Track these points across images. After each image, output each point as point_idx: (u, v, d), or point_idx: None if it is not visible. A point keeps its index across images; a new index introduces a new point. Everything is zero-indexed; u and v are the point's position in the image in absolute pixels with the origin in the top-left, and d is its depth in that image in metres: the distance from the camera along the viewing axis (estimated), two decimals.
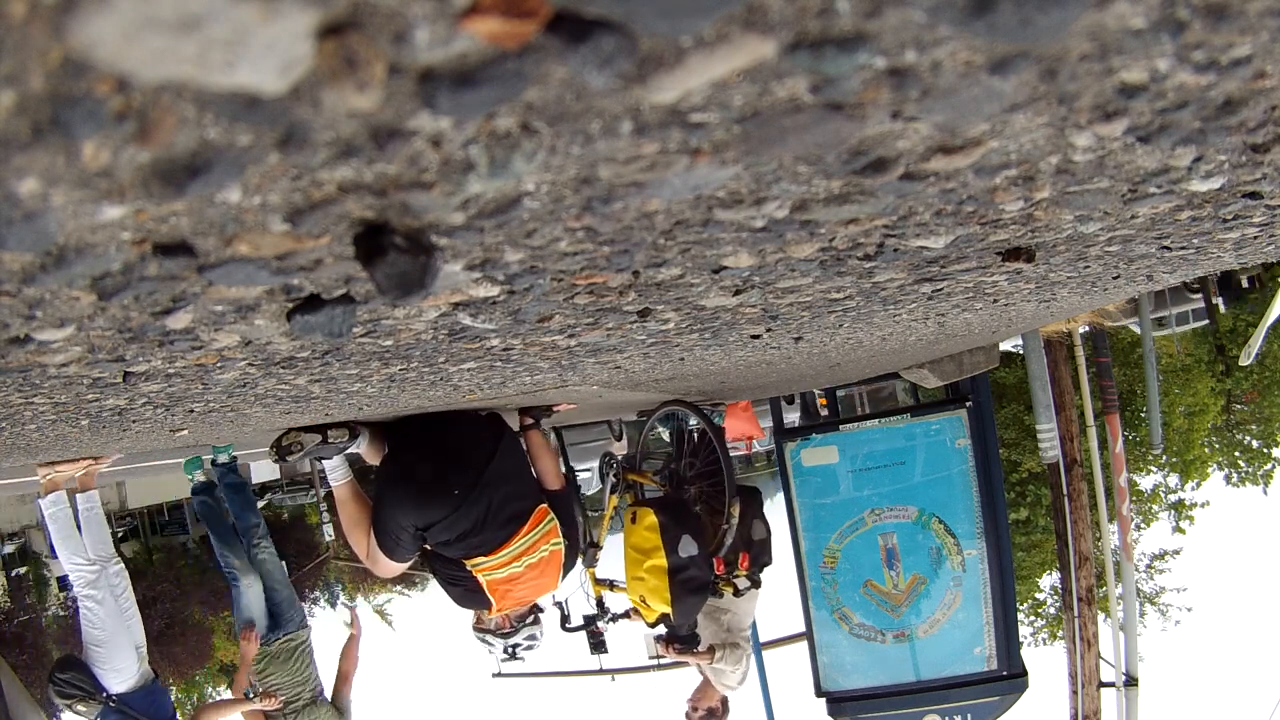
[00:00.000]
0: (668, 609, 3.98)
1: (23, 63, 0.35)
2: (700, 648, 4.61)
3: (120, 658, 3.86)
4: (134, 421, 1.83)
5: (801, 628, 7.00)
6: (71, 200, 0.47)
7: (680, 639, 4.53)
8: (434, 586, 3.35)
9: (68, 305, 0.70)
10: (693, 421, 4.83)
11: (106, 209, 0.49)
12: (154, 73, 0.36)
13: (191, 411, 1.79)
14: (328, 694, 4.55)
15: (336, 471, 3.29)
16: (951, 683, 6.55)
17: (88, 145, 0.42)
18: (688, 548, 3.98)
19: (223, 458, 4.45)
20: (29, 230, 0.49)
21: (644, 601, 4.13)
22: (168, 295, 0.72)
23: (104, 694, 3.84)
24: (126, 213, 0.51)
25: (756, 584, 4.36)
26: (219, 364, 1.14)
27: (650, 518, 4.03)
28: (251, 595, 4.37)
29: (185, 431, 2.44)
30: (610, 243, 0.78)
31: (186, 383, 1.29)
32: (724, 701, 4.64)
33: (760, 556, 4.35)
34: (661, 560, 3.94)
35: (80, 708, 3.92)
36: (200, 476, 4.34)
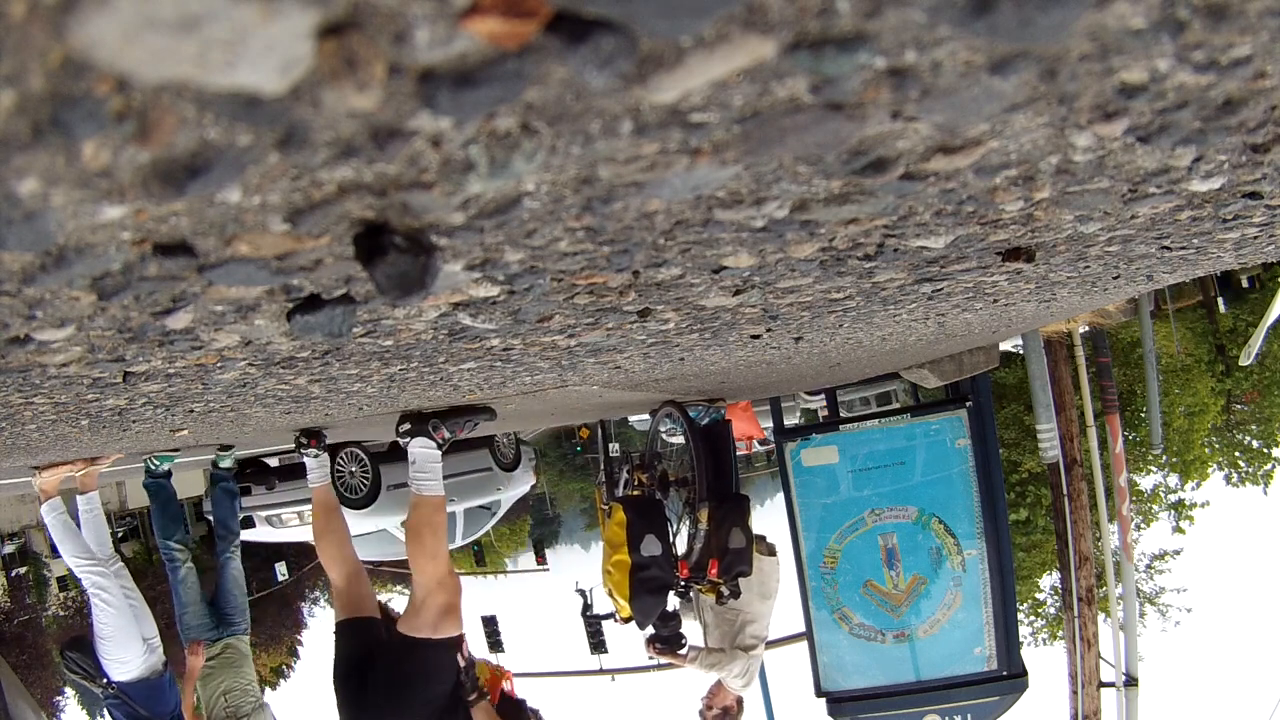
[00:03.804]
0: (627, 605, 4.06)
1: (23, 63, 0.35)
2: (684, 650, 4.59)
3: (124, 651, 3.95)
4: (134, 421, 1.83)
5: (801, 628, 7.00)
6: (71, 200, 0.47)
7: (662, 639, 4.54)
8: None
9: (68, 305, 0.70)
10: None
11: (106, 209, 0.49)
12: (154, 73, 0.37)
13: (191, 411, 1.79)
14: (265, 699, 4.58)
15: (314, 473, 3.45)
16: (951, 683, 6.55)
17: (88, 145, 0.42)
18: (650, 547, 4.05)
19: (225, 463, 4.52)
20: (29, 230, 0.49)
21: (613, 596, 4.21)
22: (168, 295, 0.72)
23: (104, 679, 3.92)
24: (126, 213, 0.51)
25: (735, 594, 4.33)
26: (219, 364, 1.14)
27: (620, 514, 4.14)
28: (190, 582, 4.44)
29: (185, 431, 2.44)
30: (610, 243, 0.78)
31: (186, 383, 1.29)
32: (739, 701, 4.64)
33: (734, 565, 4.30)
34: (625, 556, 4.04)
35: (84, 684, 4.04)
36: (168, 467, 4.38)
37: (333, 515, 3.44)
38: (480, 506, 9.56)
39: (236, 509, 4.77)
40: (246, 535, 8.17)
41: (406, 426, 2.91)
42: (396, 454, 8.28)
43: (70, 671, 4.07)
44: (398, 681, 2.86)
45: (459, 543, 9.40)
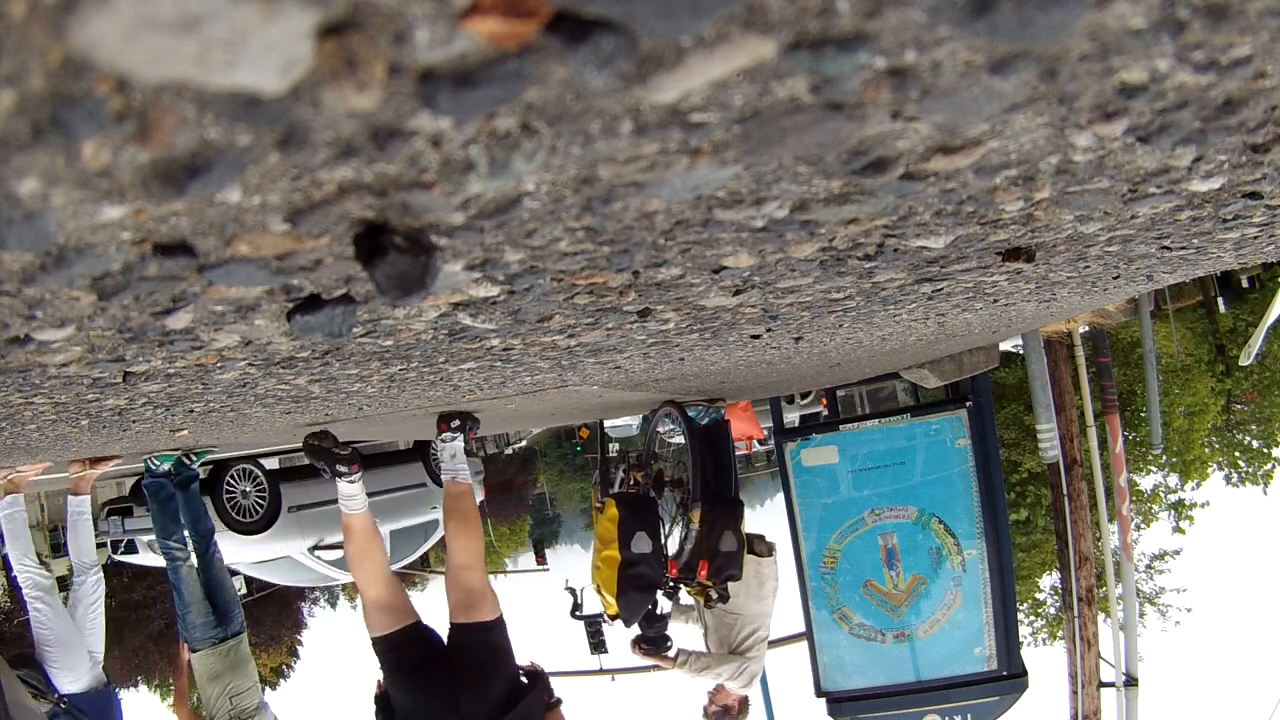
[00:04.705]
0: (614, 601, 4.06)
1: (23, 63, 0.35)
2: (671, 652, 4.59)
3: (71, 659, 3.82)
4: (134, 421, 1.83)
5: (801, 628, 7.00)
6: (71, 200, 0.47)
7: (647, 640, 4.53)
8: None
9: (68, 305, 0.70)
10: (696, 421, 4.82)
11: (106, 209, 0.49)
12: (154, 73, 0.37)
13: (191, 411, 1.79)
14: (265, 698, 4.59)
15: (354, 500, 3.08)
16: (951, 683, 6.55)
17: (88, 145, 0.42)
18: (641, 544, 4.05)
19: (198, 465, 4.53)
20: (29, 230, 0.49)
21: (600, 591, 4.21)
22: (168, 295, 0.72)
23: (55, 694, 3.84)
24: (126, 213, 0.51)
25: (723, 597, 4.32)
26: (219, 364, 1.14)
27: (612, 510, 4.14)
28: (191, 582, 4.44)
29: (185, 431, 2.44)
30: (610, 243, 0.78)
31: (186, 383, 1.29)
32: (740, 702, 4.63)
33: (724, 568, 4.29)
34: (615, 552, 4.03)
35: (31, 703, 3.94)
36: (168, 466, 4.39)
37: (372, 541, 3.19)
38: (412, 527, 8.44)
39: (205, 507, 4.75)
40: (131, 560, 7.46)
41: (457, 423, 3.20)
42: (298, 473, 7.34)
43: None
44: (485, 660, 3.01)
45: None
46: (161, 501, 4.44)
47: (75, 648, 3.85)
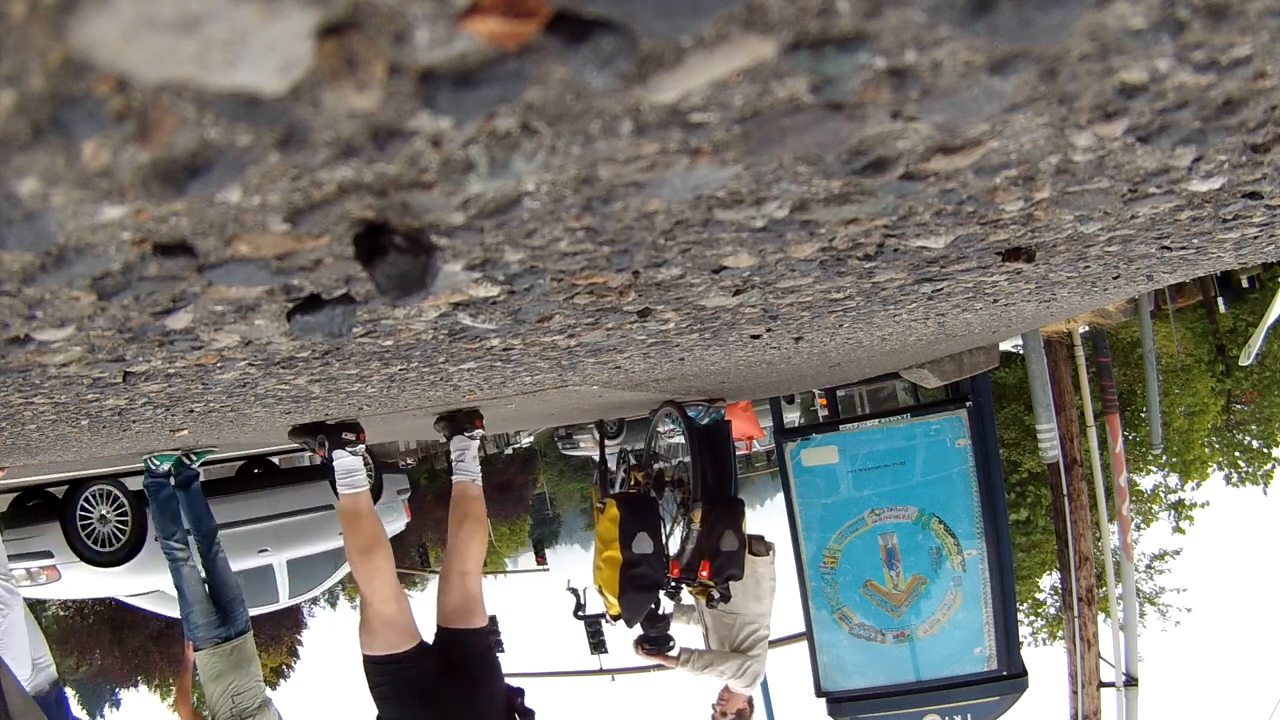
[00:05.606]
0: (616, 601, 4.07)
1: (23, 63, 0.35)
2: (673, 651, 4.59)
3: (17, 668, 3.80)
4: (134, 421, 1.84)
5: (801, 628, 7.01)
6: (71, 200, 0.47)
7: (650, 640, 4.54)
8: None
9: (68, 305, 0.70)
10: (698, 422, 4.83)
11: (106, 209, 0.49)
12: (154, 73, 0.36)
13: (191, 411, 1.80)
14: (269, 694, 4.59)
15: (356, 475, 2.81)
16: (951, 683, 6.55)
17: (88, 145, 0.42)
18: (642, 545, 4.06)
19: (198, 463, 4.53)
20: (29, 230, 0.49)
21: (602, 592, 4.22)
22: (168, 295, 0.72)
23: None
24: (126, 213, 0.51)
25: (725, 597, 4.33)
26: (219, 364, 1.14)
27: (613, 510, 4.14)
28: (193, 581, 4.43)
29: (185, 431, 2.44)
30: (610, 243, 0.78)
31: (186, 383, 1.29)
32: (749, 702, 4.64)
33: (725, 568, 4.30)
34: (616, 553, 4.04)
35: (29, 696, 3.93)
36: (168, 466, 4.39)
37: (379, 525, 2.85)
38: (315, 556, 7.46)
39: (207, 506, 4.73)
40: None
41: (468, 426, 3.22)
42: None
43: None
44: (484, 666, 3.00)
45: (283, 603, 7.50)
46: (162, 501, 4.45)
47: (23, 656, 3.80)
